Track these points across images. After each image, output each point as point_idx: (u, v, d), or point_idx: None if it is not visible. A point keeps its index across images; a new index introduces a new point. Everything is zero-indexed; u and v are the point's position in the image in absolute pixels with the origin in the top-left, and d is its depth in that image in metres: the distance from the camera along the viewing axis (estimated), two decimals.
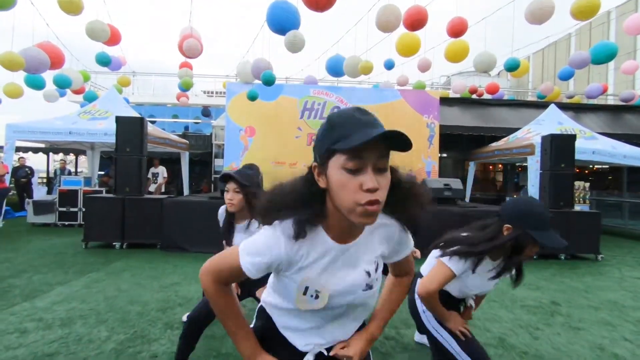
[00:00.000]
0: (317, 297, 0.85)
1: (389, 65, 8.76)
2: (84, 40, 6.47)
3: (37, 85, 7.78)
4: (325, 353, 0.94)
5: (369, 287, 0.90)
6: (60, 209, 7.46)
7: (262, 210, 0.85)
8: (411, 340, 2.63)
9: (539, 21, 5.62)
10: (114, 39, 6.80)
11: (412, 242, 0.99)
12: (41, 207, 7.47)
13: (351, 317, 0.96)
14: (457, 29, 6.27)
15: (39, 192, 10.40)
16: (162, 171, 9.02)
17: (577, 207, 6.39)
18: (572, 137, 5.86)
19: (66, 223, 7.50)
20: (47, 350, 2.30)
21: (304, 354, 0.94)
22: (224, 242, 2.07)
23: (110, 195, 5.72)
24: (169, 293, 3.44)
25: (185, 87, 8.93)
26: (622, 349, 2.62)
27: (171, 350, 2.35)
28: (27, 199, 7.97)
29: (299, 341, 0.94)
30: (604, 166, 14.76)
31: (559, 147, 5.76)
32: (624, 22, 6.49)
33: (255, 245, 0.84)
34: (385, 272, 1.06)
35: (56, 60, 6.57)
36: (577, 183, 8.69)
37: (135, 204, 5.47)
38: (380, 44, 8.27)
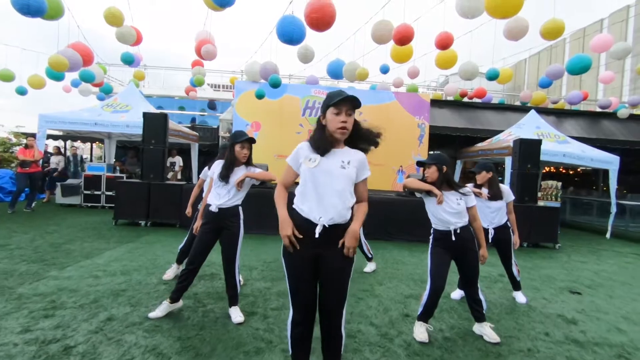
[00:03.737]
0: (315, 160, 1.71)
1: (384, 70, 9.60)
2: (94, 29, 7.23)
3: (58, 77, 8.57)
4: (328, 227, 1.67)
5: (342, 167, 1.71)
6: (86, 192, 8.34)
7: (311, 138, 1.79)
8: (382, 292, 3.54)
9: (515, 38, 6.42)
10: (138, 40, 7.61)
11: (369, 172, 1.80)
12: (68, 190, 8.36)
13: (336, 188, 1.68)
14: (444, 42, 7.09)
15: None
16: (178, 160, 9.89)
17: (541, 203, 7.27)
18: (538, 142, 6.75)
19: (89, 205, 8.39)
20: (118, 288, 3.21)
21: (315, 225, 1.67)
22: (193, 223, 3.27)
23: (137, 180, 6.60)
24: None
25: (198, 84, 9.75)
26: (537, 303, 3.54)
27: (206, 292, 3.26)
28: (55, 183, 8.82)
29: (307, 210, 1.70)
30: (587, 168, 15.69)
31: (526, 150, 6.65)
32: (592, 41, 7.33)
33: (291, 155, 1.79)
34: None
35: (87, 59, 7.40)
36: (550, 182, 9.62)
37: (158, 189, 6.36)
38: (377, 49, 9.11)
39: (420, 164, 2.77)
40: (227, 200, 2.76)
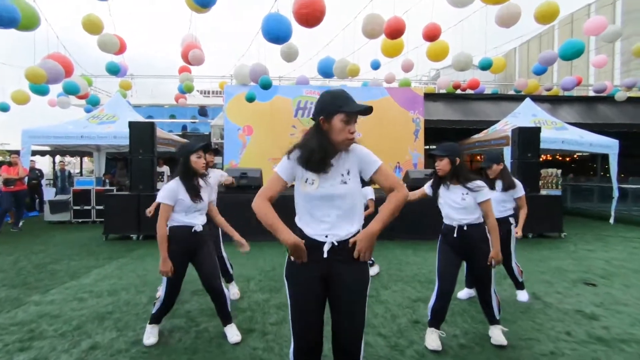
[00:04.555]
0: (312, 183, 1.46)
1: (375, 66, 9.41)
2: (78, 40, 6.98)
3: (42, 91, 8.28)
4: (337, 244, 1.44)
5: (344, 182, 1.47)
6: (75, 207, 8.07)
7: (292, 149, 1.52)
8: (388, 297, 3.34)
9: (506, 25, 6.25)
10: (121, 48, 7.36)
11: (376, 161, 1.52)
12: (57, 206, 8.08)
13: (340, 208, 1.46)
14: (432, 34, 6.90)
15: (48, 193, 10.96)
16: (166, 170, 9.61)
17: (544, 192, 7.12)
18: (537, 130, 6.59)
19: (80, 220, 8.11)
20: (105, 310, 2.97)
21: (323, 244, 1.44)
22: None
23: (126, 192, 6.35)
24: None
25: (187, 91, 9.52)
26: (552, 298, 3.35)
27: (199, 308, 3.04)
28: (43, 199, 8.54)
29: (311, 228, 1.47)
30: (584, 153, 15.62)
31: (526, 138, 6.48)
32: (584, 23, 7.19)
33: (280, 164, 1.52)
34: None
35: (67, 70, 7.14)
36: (550, 170, 9.48)
37: (149, 200, 6.07)
38: (367, 44, 8.92)
39: (431, 155, 2.57)
40: (205, 216, 2.57)
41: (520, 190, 3.30)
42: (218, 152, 3.26)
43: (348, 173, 1.49)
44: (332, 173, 1.47)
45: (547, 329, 2.68)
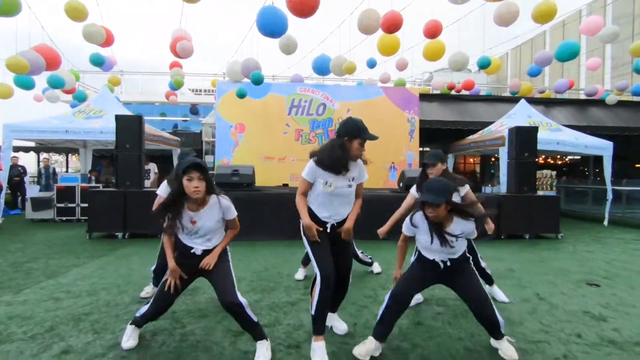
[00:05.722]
0: (330, 185, 2.20)
1: (371, 64, 9.28)
2: (71, 39, 6.73)
3: (27, 85, 7.96)
4: (336, 225, 2.29)
5: (349, 186, 2.27)
6: (59, 205, 7.74)
7: (315, 153, 2.27)
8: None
9: (505, 24, 6.17)
10: (108, 40, 7.10)
11: (367, 176, 2.38)
12: (39, 204, 7.74)
13: (344, 201, 2.28)
14: (433, 31, 6.80)
15: (31, 191, 10.55)
16: (153, 167, 9.36)
17: (540, 193, 7.04)
18: (534, 129, 6.51)
19: (64, 218, 7.79)
20: (82, 311, 2.74)
21: (326, 223, 2.27)
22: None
23: (112, 189, 6.08)
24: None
25: (176, 86, 9.27)
26: (557, 299, 3.21)
27: (186, 309, 2.82)
28: (25, 197, 8.20)
29: (321, 214, 2.26)
30: (576, 157, 15.71)
31: (523, 138, 6.39)
32: (581, 24, 7.16)
33: (306, 171, 2.24)
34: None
35: (52, 62, 6.84)
36: (545, 172, 9.44)
37: (136, 197, 5.85)
38: (363, 42, 8.79)
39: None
40: (213, 243, 2.26)
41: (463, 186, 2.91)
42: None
43: (352, 180, 2.28)
44: (343, 179, 2.23)
45: (556, 330, 2.53)
